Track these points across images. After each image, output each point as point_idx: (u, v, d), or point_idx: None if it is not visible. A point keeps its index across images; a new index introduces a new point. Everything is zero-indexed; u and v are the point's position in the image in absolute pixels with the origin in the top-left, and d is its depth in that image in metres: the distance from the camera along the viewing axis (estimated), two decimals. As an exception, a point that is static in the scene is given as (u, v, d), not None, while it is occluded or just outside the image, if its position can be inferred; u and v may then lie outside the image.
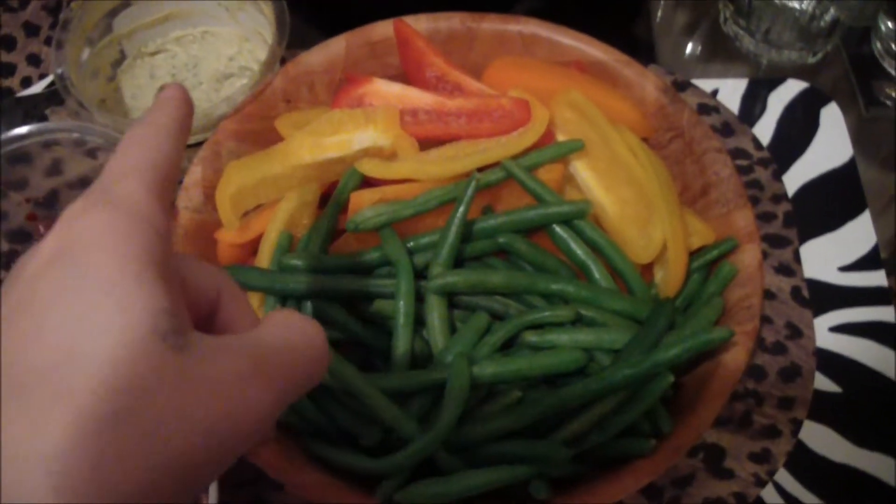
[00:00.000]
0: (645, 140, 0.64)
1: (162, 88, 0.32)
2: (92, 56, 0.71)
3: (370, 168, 0.59)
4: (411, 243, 0.57)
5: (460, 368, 0.52)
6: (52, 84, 0.77)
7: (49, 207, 0.68)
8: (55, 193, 0.68)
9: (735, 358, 0.55)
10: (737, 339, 0.55)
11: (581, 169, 0.61)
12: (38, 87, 0.78)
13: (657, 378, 0.53)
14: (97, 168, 0.68)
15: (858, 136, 0.78)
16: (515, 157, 0.59)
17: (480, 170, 0.58)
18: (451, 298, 0.57)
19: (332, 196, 0.60)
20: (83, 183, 0.68)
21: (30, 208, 0.67)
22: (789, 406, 0.64)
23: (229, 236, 0.60)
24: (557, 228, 0.58)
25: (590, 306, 0.56)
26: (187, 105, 0.33)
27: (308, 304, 0.58)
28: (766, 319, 0.68)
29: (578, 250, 0.58)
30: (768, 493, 0.61)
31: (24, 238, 0.67)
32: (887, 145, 0.79)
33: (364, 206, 0.57)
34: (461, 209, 0.55)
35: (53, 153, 0.68)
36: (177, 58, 0.74)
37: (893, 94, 0.81)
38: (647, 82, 0.65)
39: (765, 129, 0.77)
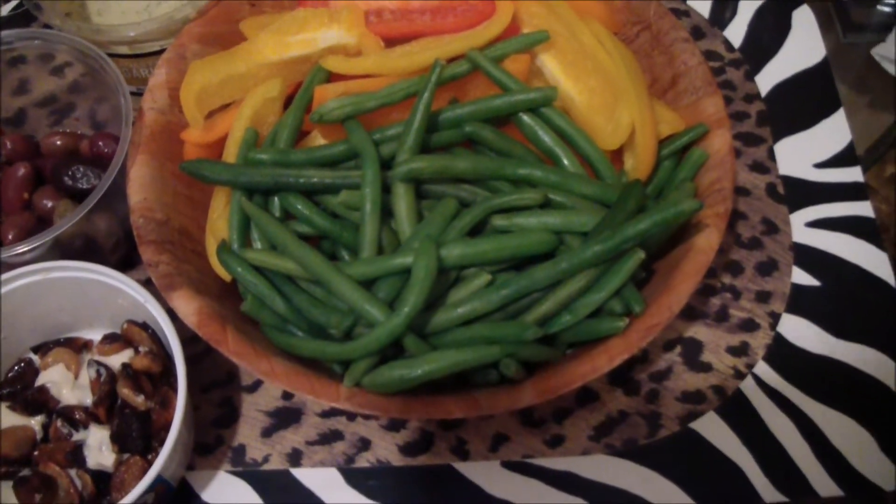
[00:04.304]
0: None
1: None
2: (57, -26, 0.70)
3: (335, 64, 0.58)
4: (377, 135, 0.56)
5: (427, 249, 0.50)
6: (17, 6, 0.77)
7: (17, 126, 0.67)
8: (23, 111, 0.67)
9: (708, 239, 0.54)
10: (709, 221, 0.54)
11: (548, 61, 0.61)
12: (4, 10, 0.77)
13: (628, 254, 0.52)
14: (63, 87, 0.68)
15: (834, 57, 0.77)
16: (481, 50, 0.58)
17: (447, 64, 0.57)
18: (419, 188, 0.56)
19: (297, 93, 0.59)
20: (49, 101, 0.68)
21: (-4, 124, 0.67)
22: (767, 299, 0.64)
23: (195, 135, 0.59)
24: (525, 117, 0.57)
25: (558, 191, 0.55)
26: None
27: (275, 199, 0.57)
28: (741, 215, 0.67)
29: (546, 137, 0.57)
30: (748, 385, 0.61)
31: (-7, 156, 0.67)
32: (862, 65, 0.78)
33: (328, 98, 0.57)
34: (426, 94, 0.54)
35: (20, 72, 0.67)
36: (143, -27, 0.72)
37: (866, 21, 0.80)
38: (614, -23, 0.64)
39: (736, 33, 0.77)
